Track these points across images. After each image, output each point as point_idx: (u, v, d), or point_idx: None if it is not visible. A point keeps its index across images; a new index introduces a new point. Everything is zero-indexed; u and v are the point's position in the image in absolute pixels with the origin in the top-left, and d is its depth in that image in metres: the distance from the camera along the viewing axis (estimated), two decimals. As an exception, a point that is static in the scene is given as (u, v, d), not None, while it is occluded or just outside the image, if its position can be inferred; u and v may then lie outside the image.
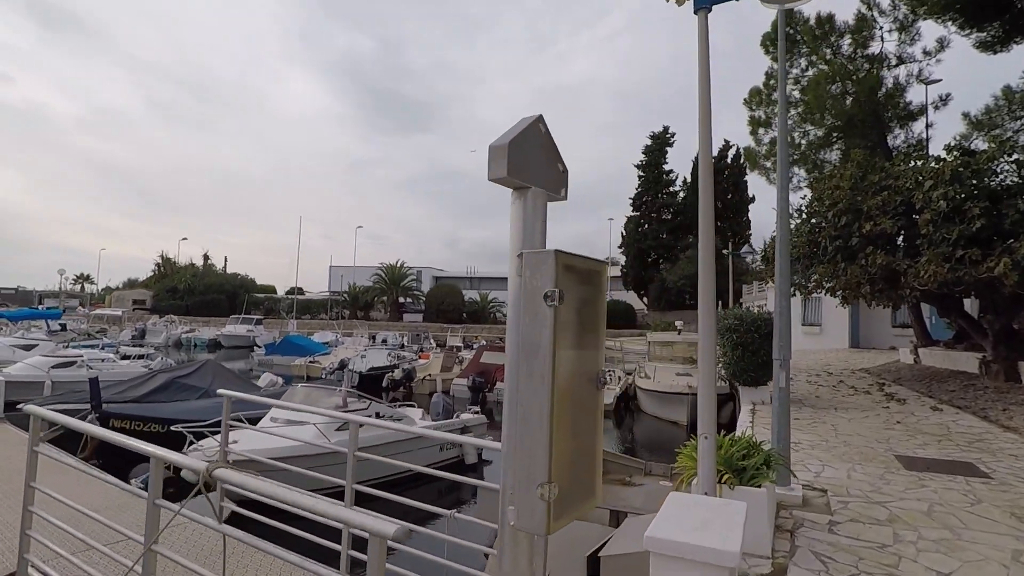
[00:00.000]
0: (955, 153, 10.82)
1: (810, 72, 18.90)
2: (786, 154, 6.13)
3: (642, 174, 51.17)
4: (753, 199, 49.39)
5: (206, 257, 67.51)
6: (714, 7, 4.01)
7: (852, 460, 6.47)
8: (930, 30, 29.25)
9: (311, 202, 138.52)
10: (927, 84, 18.00)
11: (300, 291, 60.53)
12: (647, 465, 8.26)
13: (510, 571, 1.20)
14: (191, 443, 6.67)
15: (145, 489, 2.42)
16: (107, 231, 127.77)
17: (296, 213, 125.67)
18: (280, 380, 14.50)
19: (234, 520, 4.55)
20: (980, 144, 15.09)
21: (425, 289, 59.36)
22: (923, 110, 18.56)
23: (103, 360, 16.30)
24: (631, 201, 51.75)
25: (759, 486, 3.99)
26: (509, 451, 1.21)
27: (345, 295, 58.07)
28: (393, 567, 3.12)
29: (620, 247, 52.66)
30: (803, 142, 20.43)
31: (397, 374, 20.43)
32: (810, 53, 18.71)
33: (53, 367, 14.17)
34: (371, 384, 19.91)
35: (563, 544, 4.26)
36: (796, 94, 19.32)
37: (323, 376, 20.55)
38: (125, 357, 18.75)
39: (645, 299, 50.58)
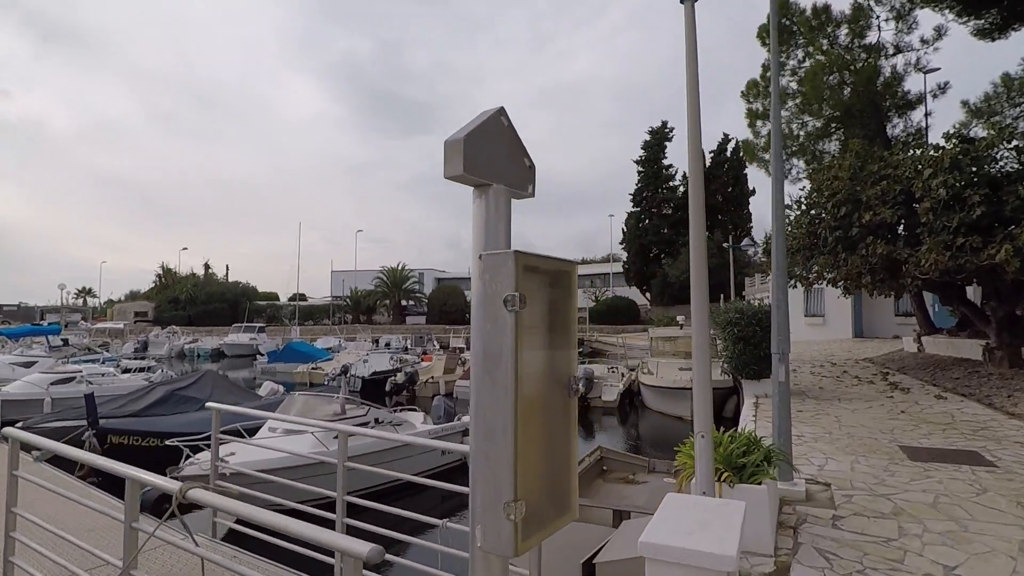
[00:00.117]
0: (954, 141, 10.70)
1: (807, 63, 18.77)
2: (780, 146, 6.05)
3: (642, 169, 51.03)
4: (754, 192, 49.31)
5: (207, 266, 67.64)
6: (701, -1, 3.94)
7: (856, 452, 6.39)
8: (927, 18, 29.08)
9: (313, 207, 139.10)
10: (925, 73, 17.87)
11: (303, 297, 60.53)
12: (650, 462, 8.19)
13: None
14: (187, 456, 6.61)
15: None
16: (109, 244, 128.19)
17: (297, 219, 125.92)
18: (281, 388, 14.43)
19: (232, 535, 4.49)
20: (979, 132, 14.96)
21: (427, 291, 59.30)
22: (921, 99, 18.43)
23: (103, 375, 16.21)
24: (631, 197, 51.64)
25: (760, 483, 3.92)
26: (475, 467, 1.14)
27: (347, 300, 58.05)
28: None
29: (621, 243, 52.55)
30: (801, 133, 20.31)
31: (400, 378, 20.37)
32: (807, 44, 18.57)
33: (52, 384, 14.06)
34: (374, 389, 19.85)
35: (561, 548, 4.18)
36: (794, 85, 19.20)
37: (325, 383, 20.51)
38: (126, 371, 18.70)
39: (648, 295, 50.42)
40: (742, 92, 20.60)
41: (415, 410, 11.31)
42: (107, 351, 28.46)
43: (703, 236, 3.86)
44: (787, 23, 18.04)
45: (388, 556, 3.27)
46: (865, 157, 11.81)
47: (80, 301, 69.13)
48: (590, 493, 7.10)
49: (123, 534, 2.23)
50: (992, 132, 10.44)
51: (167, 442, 6.96)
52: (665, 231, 48.42)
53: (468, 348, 31.11)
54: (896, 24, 17.65)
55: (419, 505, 3.60)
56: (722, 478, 3.89)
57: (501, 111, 1.30)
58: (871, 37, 17.97)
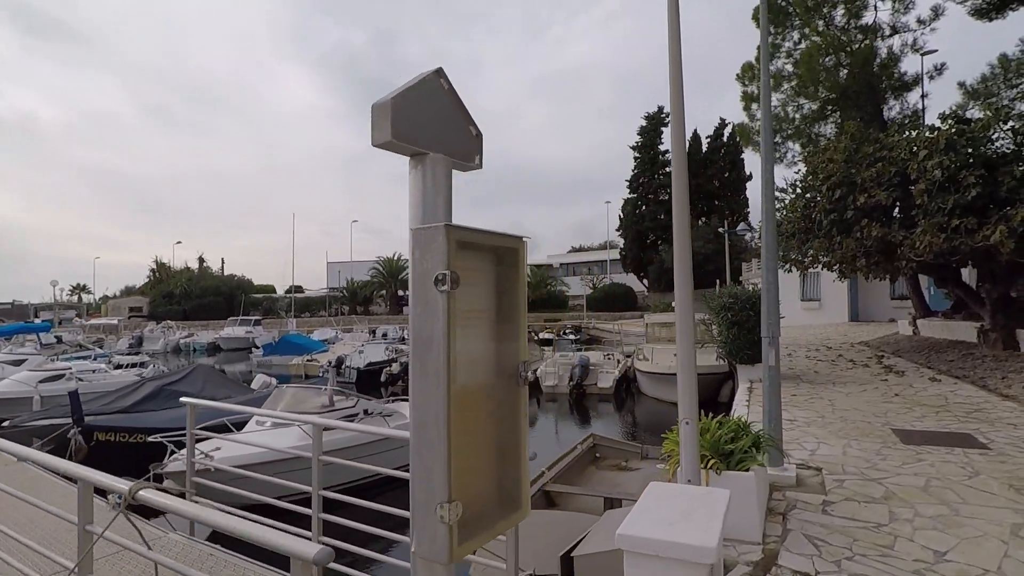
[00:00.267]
0: (950, 122, 10.57)
1: (803, 45, 18.49)
2: (770, 127, 5.92)
3: (638, 155, 50.71)
4: (750, 177, 49.03)
5: (201, 260, 67.23)
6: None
7: (848, 436, 6.33)
8: (923, -3, 28.75)
9: (308, 199, 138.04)
10: (922, 54, 17.63)
11: (299, 289, 60.23)
12: (644, 449, 8.13)
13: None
14: (171, 453, 6.51)
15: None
16: (104, 240, 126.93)
17: (293, 211, 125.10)
18: (274, 381, 14.32)
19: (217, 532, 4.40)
20: (976, 113, 14.81)
21: (424, 281, 58.94)
22: (918, 80, 18.22)
23: (94, 371, 16.04)
24: (628, 183, 51.36)
25: (747, 470, 3.84)
26: (411, 466, 1.03)
27: (343, 291, 57.82)
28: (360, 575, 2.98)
29: (618, 230, 52.37)
30: (797, 116, 20.07)
31: (395, 368, 20.29)
32: (802, 25, 18.28)
33: (41, 381, 13.93)
34: (369, 379, 19.78)
35: (546, 537, 4.11)
36: (789, 68, 18.93)
37: (320, 374, 20.44)
38: (119, 366, 18.56)
39: (645, 281, 50.36)
40: (737, 75, 20.34)
41: (408, 400, 11.23)
42: (101, 347, 28.30)
43: (687, 220, 3.76)
44: (783, 4, 17.74)
45: (365, 552, 3.21)
46: (860, 139, 11.67)
47: (75, 298, 68.73)
48: (582, 480, 7.04)
49: (77, 536, 2.14)
50: (988, 113, 10.30)
51: (150, 438, 6.86)
52: (662, 217, 48.21)
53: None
54: (892, 4, 17.37)
55: (402, 499, 3.49)
56: (709, 465, 3.81)
57: (439, 72, 1.17)
58: (867, 17, 17.70)
